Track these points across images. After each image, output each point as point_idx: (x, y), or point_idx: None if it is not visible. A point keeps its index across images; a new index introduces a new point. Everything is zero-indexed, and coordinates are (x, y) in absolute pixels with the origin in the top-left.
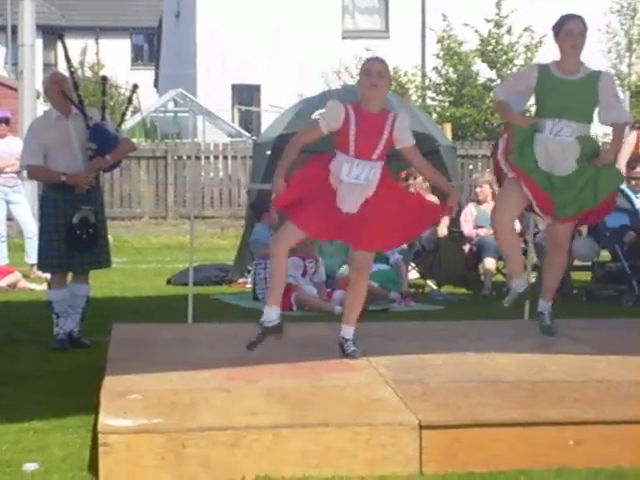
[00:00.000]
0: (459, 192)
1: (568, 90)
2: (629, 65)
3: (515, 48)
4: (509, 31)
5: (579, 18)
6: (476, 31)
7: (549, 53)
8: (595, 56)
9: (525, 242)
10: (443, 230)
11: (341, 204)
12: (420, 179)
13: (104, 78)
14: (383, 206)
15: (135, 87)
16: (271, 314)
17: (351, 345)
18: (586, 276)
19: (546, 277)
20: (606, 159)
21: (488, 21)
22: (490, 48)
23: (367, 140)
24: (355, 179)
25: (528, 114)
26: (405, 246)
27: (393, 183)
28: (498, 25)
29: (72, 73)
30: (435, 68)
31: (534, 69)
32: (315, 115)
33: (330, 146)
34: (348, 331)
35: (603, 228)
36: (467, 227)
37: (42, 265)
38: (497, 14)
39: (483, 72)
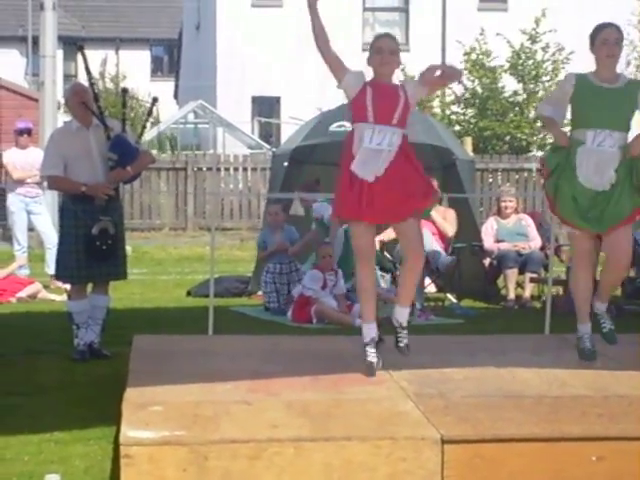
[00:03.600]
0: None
1: (609, 98)
2: None
3: (545, 65)
4: (545, 48)
5: (614, 26)
6: (508, 42)
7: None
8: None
9: (546, 256)
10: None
11: (361, 170)
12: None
13: (124, 90)
14: (397, 177)
15: (155, 100)
16: (371, 332)
17: (405, 337)
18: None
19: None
20: (638, 148)
21: (524, 33)
22: (521, 62)
23: (384, 105)
24: (378, 145)
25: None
26: None
27: (409, 153)
28: (533, 40)
29: (92, 85)
30: (460, 81)
31: (571, 77)
32: (333, 127)
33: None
34: (403, 314)
35: (634, 244)
36: (488, 241)
37: (61, 275)
38: (534, 29)
39: (509, 86)
